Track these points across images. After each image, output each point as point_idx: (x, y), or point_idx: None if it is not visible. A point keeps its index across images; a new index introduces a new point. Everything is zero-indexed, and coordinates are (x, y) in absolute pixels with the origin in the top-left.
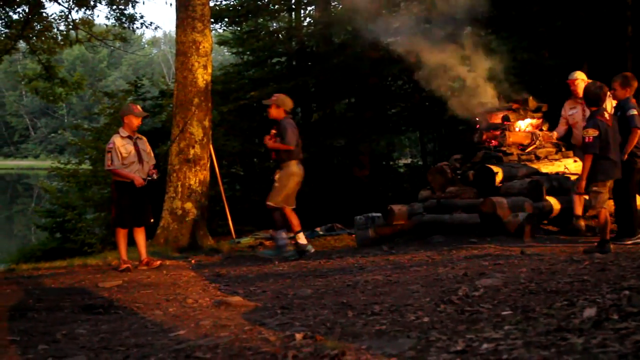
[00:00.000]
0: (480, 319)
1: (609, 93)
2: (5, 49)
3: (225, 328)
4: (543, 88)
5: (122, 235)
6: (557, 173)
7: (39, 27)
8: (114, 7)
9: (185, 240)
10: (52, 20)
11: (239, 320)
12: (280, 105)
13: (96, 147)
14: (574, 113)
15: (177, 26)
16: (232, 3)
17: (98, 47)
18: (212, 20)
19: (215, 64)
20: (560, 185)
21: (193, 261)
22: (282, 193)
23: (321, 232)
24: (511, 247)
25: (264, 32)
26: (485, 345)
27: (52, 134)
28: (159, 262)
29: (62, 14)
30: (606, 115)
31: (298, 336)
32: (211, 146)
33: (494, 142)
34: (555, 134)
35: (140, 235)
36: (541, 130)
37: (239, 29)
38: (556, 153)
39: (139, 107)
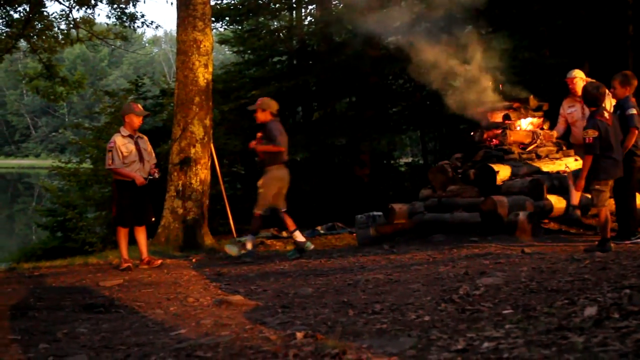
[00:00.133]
0: (481, 318)
1: (608, 92)
2: (6, 47)
3: (226, 327)
4: (544, 87)
5: (123, 234)
6: (557, 172)
7: (39, 26)
8: (115, 6)
9: (186, 239)
10: (53, 19)
11: (240, 319)
12: (265, 109)
13: (97, 146)
14: (572, 111)
15: (178, 25)
16: (233, 2)
17: (99, 46)
18: (213, 19)
19: (216, 63)
20: (561, 184)
21: (194, 260)
22: (267, 198)
23: (322, 231)
24: (512, 246)
25: (264, 31)
26: (486, 344)
27: (53, 133)
28: (159, 261)
29: (63, 12)
30: (606, 114)
31: (299, 335)
32: (212, 145)
33: (495, 141)
34: (555, 133)
35: (141, 234)
36: (542, 129)
37: (239, 27)
38: (557, 152)
39: (139, 106)
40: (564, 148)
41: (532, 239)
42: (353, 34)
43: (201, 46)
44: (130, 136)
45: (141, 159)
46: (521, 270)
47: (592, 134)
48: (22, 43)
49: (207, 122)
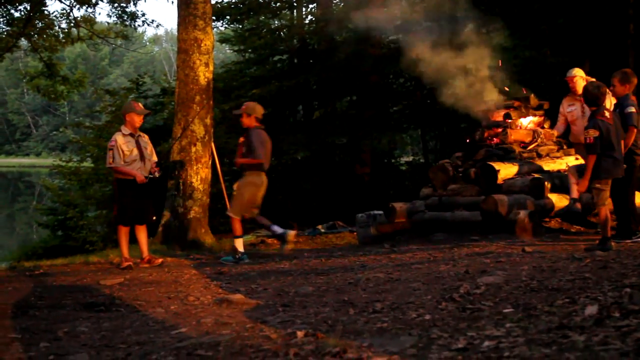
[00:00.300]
0: (482, 317)
1: (608, 91)
2: (7, 46)
3: (227, 326)
4: (545, 86)
5: (123, 232)
6: (558, 170)
7: (40, 25)
8: (116, 4)
9: (187, 238)
10: (54, 17)
11: (241, 318)
12: (250, 113)
13: (98, 145)
14: (572, 110)
15: (179, 24)
16: (233, 1)
17: (99, 45)
18: (214, 17)
19: (217, 62)
20: (562, 182)
21: (195, 259)
22: (241, 203)
23: (323, 230)
24: (513, 245)
25: (265, 30)
26: (486, 343)
27: (54, 132)
28: (160, 260)
29: (64, 11)
30: (606, 114)
31: (299, 334)
32: (213, 144)
33: (495, 140)
34: (555, 132)
35: (142, 233)
36: (543, 128)
37: (240, 26)
38: (558, 151)
39: (140, 104)
40: (565, 147)
41: (532, 237)
42: (353, 32)
43: (202, 45)
44: (131, 135)
45: (142, 157)
46: (522, 269)
47: (593, 133)
48: (23, 42)
49: (208, 120)
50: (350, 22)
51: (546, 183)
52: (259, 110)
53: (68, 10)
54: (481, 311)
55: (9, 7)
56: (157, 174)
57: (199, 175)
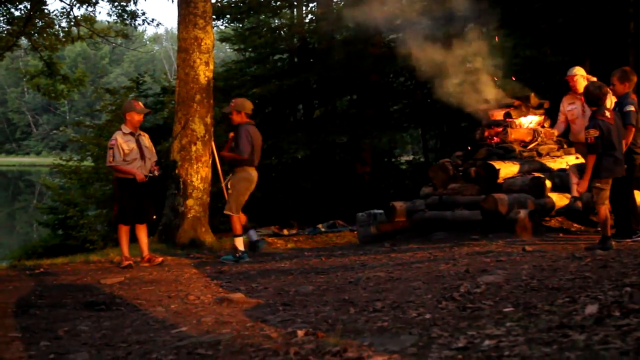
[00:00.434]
0: (482, 316)
1: (609, 91)
2: (7, 45)
3: (227, 325)
4: (545, 85)
5: (124, 232)
6: (559, 169)
7: (40, 24)
8: (116, 3)
9: (187, 237)
10: (54, 16)
11: (241, 317)
12: (240, 110)
13: (98, 143)
14: (572, 109)
15: (179, 23)
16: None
17: (100, 44)
18: (214, 16)
19: (217, 61)
20: (562, 182)
21: (195, 258)
22: (237, 199)
23: (323, 229)
24: (513, 244)
25: (265, 29)
26: (486, 342)
27: (54, 131)
28: (160, 259)
29: (64, 10)
30: (607, 113)
31: (300, 333)
32: (213, 143)
33: (496, 139)
34: (556, 131)
35: (142, 232)
36: (543, 127)
37: (240, 25)
38: (558, 150)
39: (140, 103)
40: (565, 146)
41: (533, 236)
42: (354, 31)
43: (202, 44)
44: (132, 134)
45: (142, 156)
46: (522, 268)
47: (593, 133)
48: (23, 41)
49: (208, 119)
50: (350, 20)
51: (547, 181)
52: (248, 105)
53: (68, 9)
54: (481, 310)
55: (9, 5)
56: (157, 173)
57: (199, 174)
